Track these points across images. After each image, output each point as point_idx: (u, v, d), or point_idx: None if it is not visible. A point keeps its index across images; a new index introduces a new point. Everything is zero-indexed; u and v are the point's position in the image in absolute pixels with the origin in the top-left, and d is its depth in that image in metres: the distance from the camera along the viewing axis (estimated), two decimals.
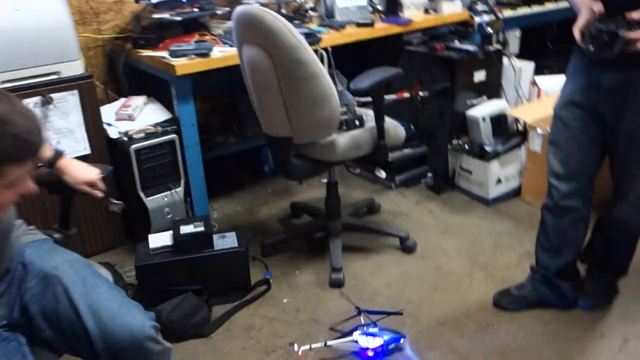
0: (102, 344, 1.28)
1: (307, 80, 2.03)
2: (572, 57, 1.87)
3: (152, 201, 2.50)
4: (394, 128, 2.37)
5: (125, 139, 2.46)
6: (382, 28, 2.84)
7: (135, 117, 2.57)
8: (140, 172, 2.45)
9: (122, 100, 2.72)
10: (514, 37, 3.20)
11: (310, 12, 3.00)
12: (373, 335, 1.96)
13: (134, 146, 2.41)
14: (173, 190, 2.54)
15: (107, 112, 2.60)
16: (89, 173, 1.58)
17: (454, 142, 2.91)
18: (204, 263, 2.19)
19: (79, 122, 2.38)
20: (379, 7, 3.07)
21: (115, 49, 2.82)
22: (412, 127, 3.01)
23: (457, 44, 2.90)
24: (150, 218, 2.50)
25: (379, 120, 2.25)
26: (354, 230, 2.60)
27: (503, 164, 2.85)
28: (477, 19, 2.91)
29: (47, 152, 1.53)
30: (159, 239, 2.23)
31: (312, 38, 2.46)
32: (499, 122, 2.87)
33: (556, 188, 1.93)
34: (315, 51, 2.12)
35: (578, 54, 1.83)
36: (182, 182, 2.56)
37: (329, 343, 1.96)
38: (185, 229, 2.20)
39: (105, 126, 2.50)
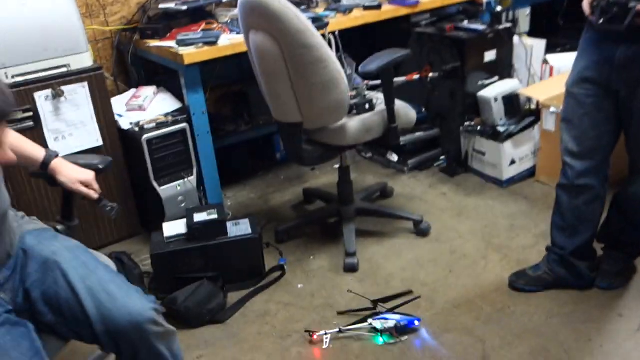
0: (102, 327, 1.30)
1: (315, 65, 2.01)
2: (583, 32, 1.84)
3: (166, 190, 2.52)
4: (405, 110, 2.35)
5: (137, 129, 2.47)
6: (389, 10, 2.81)
7: (146, 107, 2.58)
8: (152, 161, 2.46)
9: (132, 91, 2.73)
10: (524, 15, 3.14)
11: None
12: (388, 319, 1.96)
13: (145, 136, 2.43)
14: (186, 179, 2.55)
15: (118, 103, 2.61)
16: (84, 173, 1.59)
17: (466, 123, 2.88)
18: (219, 250, 2.21)
19: (90, 114, 2.40)
20: None
21: (123, 41, 2.82)
22: (424, 109, 2.99)
23: (466, 24, 2.86)
24: (164, 207, 2.52)
25: (389, 103, 2.24)
26: (367, 215, 2.59)
27: (516, 144, 2.82)
28: None
29: (40, 154, 1.54)
30: (174, 228, 2.25)
31: (318, 22, 2.44)
32: (511, 102, 2.83)
33: (570, 166, 1.91)
34: (323, 36, 2.10)
35: (589, 29, 1.79)
36: (195, 170, 2.57)
37: (343, 328, 1.97)
38: (199, 217, 2.22)
39: (116, 117, 2.51)
